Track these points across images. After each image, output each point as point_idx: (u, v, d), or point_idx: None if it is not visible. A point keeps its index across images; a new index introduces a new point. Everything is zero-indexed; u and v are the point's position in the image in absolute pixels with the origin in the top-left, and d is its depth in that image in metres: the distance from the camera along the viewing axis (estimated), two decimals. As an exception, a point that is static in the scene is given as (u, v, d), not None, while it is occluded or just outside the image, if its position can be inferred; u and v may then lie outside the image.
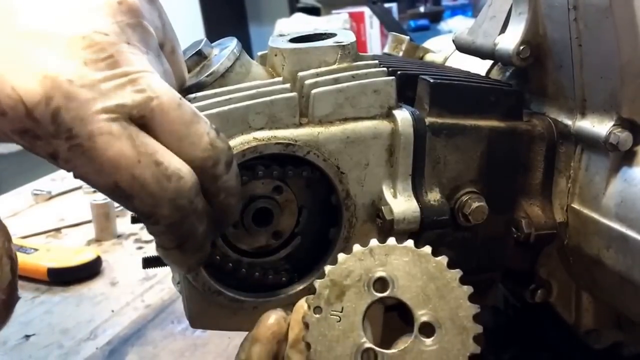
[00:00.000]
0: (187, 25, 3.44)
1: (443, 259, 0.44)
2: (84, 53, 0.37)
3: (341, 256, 0.44)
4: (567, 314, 0.60)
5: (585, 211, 0.53)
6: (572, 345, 0.64)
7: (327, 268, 0.44)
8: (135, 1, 0.41)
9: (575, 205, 0.54)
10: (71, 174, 0.39)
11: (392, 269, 0.44)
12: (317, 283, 0.44)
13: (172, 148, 0.40)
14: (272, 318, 0.46)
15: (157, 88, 0.39)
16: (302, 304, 0.44)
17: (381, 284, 0.44)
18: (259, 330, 0.46)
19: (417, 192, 0.51)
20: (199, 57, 0.52)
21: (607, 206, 0.51)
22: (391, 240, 0.45)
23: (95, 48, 0.38)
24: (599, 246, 0.52)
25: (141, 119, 0.39)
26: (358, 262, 0.44)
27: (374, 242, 0.45)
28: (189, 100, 0.45)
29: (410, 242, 0.45)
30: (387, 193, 0.51)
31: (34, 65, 0.36)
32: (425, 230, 0.52)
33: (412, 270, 0.44)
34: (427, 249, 0.45)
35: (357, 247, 0.44)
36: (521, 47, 0.55)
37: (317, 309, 0.43)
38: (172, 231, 0.40)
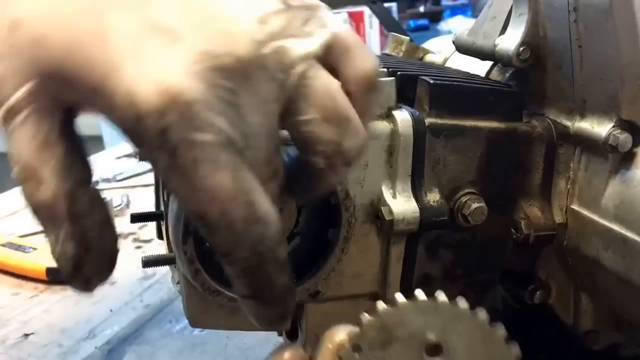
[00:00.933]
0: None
1: (515, 348, 0.39)
2: (213, 77, 0.34)
3: (401, 299, 0.38)
4: (566, 315, 0.60)
5: (585, 212, 0.53)
6: (570, 346, 0.64)
7: (381, 307, 0.38)
8: None
9: (575, 207, 0.54)
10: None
11: (454, 338, 0.37)
12: (365, 319, 0.38)
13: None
14: (287, 353, 0.42)
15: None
16: (337, 333, 0.39)
17: (435, 349, 0.37)
18: None
19: (417, 193, 0.51)
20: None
21: (606, 207, 0.51)
22: (462, 302, 0.38)
23: (225, 72, 0.34)
24: (598, 247, 0.52)
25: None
26: (419, 314, 0.37)
27: (442, 297, 0.38)
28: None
29: (484, 315, 0.38)
30: (387, 193, 0.51)
31: (157, 73, 0.33)
32: (424, 231, 0.52)
33: (476, 347, 0.38)
34: (503, 331, 0.39)
35: (422, 295, 0.38)
36: (521, 48, 0.55)
37: (357, 348, 0.38)
38: (247, 276, 0.38)
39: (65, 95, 0.35)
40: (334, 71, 0.40)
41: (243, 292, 0.39)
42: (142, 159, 0.37)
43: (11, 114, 0.34)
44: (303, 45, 0.38)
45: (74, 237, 0.36)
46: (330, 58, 0.39)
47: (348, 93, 0.40)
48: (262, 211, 0.36)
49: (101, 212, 0.38)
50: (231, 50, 0.35)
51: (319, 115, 0.38)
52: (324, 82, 0.38)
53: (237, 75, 0.35)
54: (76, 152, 0.36)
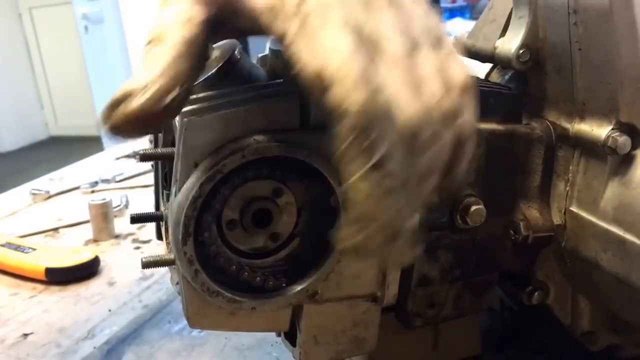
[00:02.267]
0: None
1: None
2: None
3: None
4: (564, 316, 0.60)
5: (583, 214, 0.53)
6: (568, 347, 0.65)
7: None
8: None
9: (574, 209, 0.55)
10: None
11: None
12: None
13: None
14: None
15: None
16: None
17: None
18: None
19: (416, 194, 0.51)
20: (200, 58, 0.52)
21: (604, 209, 0.51)
22: None
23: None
24: (597, 249, 0.52)
25: None
26: None
27: None
28: (189, 102, 0.45)
29: None
30: (386, 195, 0.51)
31: None
32: (423, 232, 0.52)
33: None
34: None
35: None
36: (521, 51, 0.56)
37: None
38: (357, 137, 0.36)
39: None
40: None
41: (354, 167, 0.37)
42: (273, 34, 0.40)
43: None
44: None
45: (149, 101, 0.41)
46: None
47: None
48: (377, 80, 0.37)
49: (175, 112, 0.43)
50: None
51: None
52: None
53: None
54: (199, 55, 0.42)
